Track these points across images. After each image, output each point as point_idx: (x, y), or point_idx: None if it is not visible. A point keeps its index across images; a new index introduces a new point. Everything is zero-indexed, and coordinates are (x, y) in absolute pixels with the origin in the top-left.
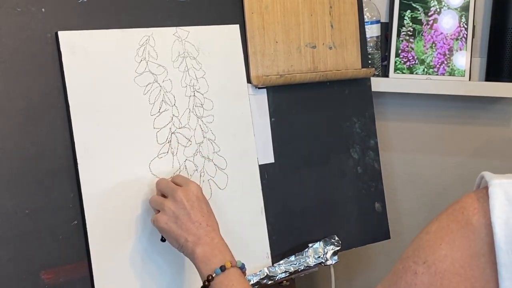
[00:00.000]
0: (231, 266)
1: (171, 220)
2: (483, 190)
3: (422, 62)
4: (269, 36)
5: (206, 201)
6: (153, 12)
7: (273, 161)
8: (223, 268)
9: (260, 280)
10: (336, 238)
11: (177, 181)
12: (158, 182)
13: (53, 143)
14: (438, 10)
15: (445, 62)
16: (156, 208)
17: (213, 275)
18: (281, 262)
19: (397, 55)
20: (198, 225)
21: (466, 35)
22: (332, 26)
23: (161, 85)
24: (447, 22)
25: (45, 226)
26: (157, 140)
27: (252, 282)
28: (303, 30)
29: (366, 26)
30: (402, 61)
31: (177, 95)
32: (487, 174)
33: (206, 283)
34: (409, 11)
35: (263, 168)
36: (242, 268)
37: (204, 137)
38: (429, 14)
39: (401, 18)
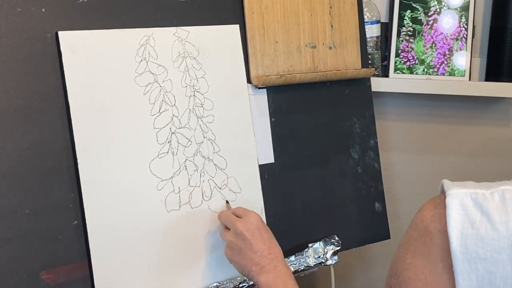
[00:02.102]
0: None
1: (235, 252)
2: (441, 197)
3: (422, 62)
4: (269, 36)
5: (267, 229)
6: (153, 12)
7: (273, 161)
8: None
9: None
10: (336, 238)
11: (238, 213)
12: (220, 216)
13: (53, 143)
14: (438, 10)
15: (445, 62)
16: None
17: None
18: None
19: (397, 55)
20: (260, 254)
21: (466, 35)
22: (332, 26)
23: (161, 85)
24: (447, 22)
25: (45, 226)
26: (157, 140)
27: (252, 282)
28: (303, 30)
29: (366, 26)
30: (402, 61)
31: (177, 95)
32: (446, 183)
33: None
34: (409, 11)
35: (263, 168)
36: None
37: (204, 137)
38: (429, 14)
39: (401, 18)
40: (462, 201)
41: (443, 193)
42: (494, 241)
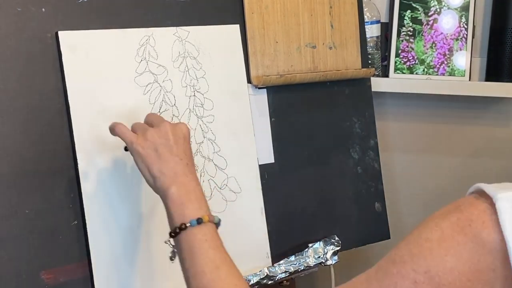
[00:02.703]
0: (208, 221)
1: (150, 147)
2: (486, 201)
3: (422, 62)
4: (269, 36)
5: (191, 146)
6: (153, 12)
7: (273, 161)
8: (200, 221)
9: (260, 280)
10: (336, 238)
11: (151, 119)
12: (148, 114)
13: (53, 143)
14: (438, 10)
15: (445, 62)
16: (136, 132)
17: (187, 225)
18: (281, 262)
19: (397, 55)
20: (179, 160)
21: (466, 35)
22: (332, 26)
23: (161, 85)
24: (447, 22)
25: (45, 226)
26: None
27: (252, 282)
28: (303, 30)
29: (366, 26)
30: (402, 61)
31: (177, 95)
32: (486, 187)
33: (177, 230)
34: (409, 11)
35: (263, 168)
36: (217, 225)
37: (204, 137)
38: (429, 14)
39: (401, 18)
40: None
41: (484, 197)
42: None
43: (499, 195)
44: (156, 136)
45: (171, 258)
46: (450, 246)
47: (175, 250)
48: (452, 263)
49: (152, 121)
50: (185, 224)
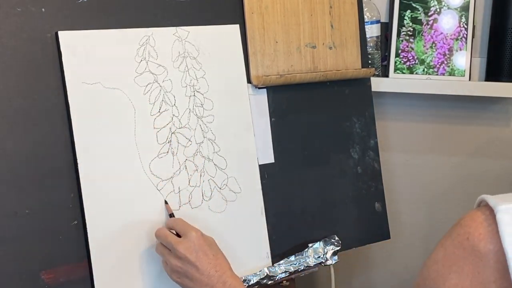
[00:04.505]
0: None
1: (182, 276)
2: (486, 212)
3: (422, 62)
4: (269, 36)
5: (210, 243)
6: (153, 12)
7: (273, 161)
8: None
9: (260, 280)
10: (336, 238)
11: (177, 229)
12: (157, 234)
13: (53, 143)
14: (438, 10)
15: (445, 62)
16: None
17: None
18: (281, 262)
19: (397, 55)
20: (208, 274)
21: (466, 35)
22: (332, 26)
23: (161, 85)
24: (447, 22)
25: (45, 226)
26: (157, 140)
27: (252, 282)
28: (303, 30)
29: (366, 26)
30: (402, 61)
31: (177, 95)
32: (489, 198)
33: None
34: (409, 11)
35: (263, 168)
36: None
37: (204, 137)
38: (429, 14)
39: (401, 18)
40: None
41: (485, 208)
42: None
43: (500, 206)
44: (179, 265)
45: None
46: (452, 263)
47: None
48: (455, 279)
49: (165, 244)
50: None
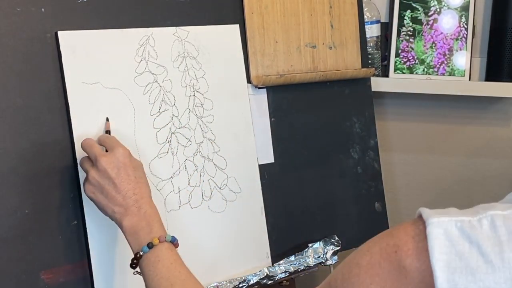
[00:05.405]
0: (159, 242)
1: (97, 190)
2: (420, 227)
3: (422, 62)
4: (269, 36)
5: (135, 165)
6: (153, 12)
7: (273, 161)
8: (150, 246)
9: (260, 280)
10: (336, 238)
11: (105, 144)
12: (83, 144)
13: (53, 143)
14: (438, 10)
15: (445, 62)
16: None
17: (141, 253)
18: (281, 262)
19: (397, 55)
20: (125, 194)
21: (466, 35)
22: (332, 26)
23: (161, 85)
24: (447, 22)
25: (45, 226)
26: (157, 140)
27: (252, 282)
28: (303, 30)
29: (366, 26)
30: (402, 61)
31: (177, 95)
32: (424, 211)
33: (135, 261)
34: (409, 11)
35: (263, 168)
36: (173, 242)
37: (204, 137)
38: (429, 14)
39: (401, 18)
40: (446, 231)
41: (421, 221)
42: (487, 275)
43: (432, 219)
44: (97, 178)
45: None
46: (375, 273)
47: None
48: None
49: (89, 155)
50: (139, 253)
